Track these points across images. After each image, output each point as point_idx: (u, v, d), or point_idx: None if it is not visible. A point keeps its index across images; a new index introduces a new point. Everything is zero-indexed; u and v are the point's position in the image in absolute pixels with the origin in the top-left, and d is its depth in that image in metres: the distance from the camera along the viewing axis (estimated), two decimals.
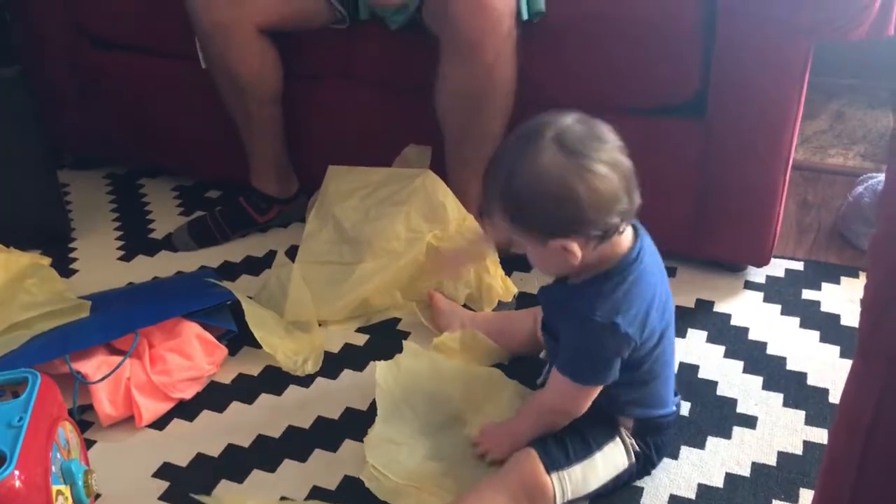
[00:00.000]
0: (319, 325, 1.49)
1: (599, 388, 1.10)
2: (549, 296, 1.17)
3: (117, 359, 1.32)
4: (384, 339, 1.48)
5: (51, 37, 1.85)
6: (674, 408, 1.20)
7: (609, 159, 1.00)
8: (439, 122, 1.52)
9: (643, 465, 1.17)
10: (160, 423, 1.32)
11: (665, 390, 1.17)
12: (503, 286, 1.50)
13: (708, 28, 1.41)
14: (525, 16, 1.43)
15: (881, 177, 1.73)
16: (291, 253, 1.64)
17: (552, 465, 1.10)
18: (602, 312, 1.05)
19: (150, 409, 1.31)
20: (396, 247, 1.50)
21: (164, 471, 1.24)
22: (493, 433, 1.20)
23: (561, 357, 1.12)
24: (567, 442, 1.12)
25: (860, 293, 0.70)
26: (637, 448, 1.15)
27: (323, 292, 1.50)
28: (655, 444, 1.17)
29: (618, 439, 1.14)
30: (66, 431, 1.15)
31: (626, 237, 1.08)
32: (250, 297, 1.48)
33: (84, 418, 1.32)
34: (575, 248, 1.02)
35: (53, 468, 1.06)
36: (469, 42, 1.39)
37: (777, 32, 1.35)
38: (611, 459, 1.14)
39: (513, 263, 1.57)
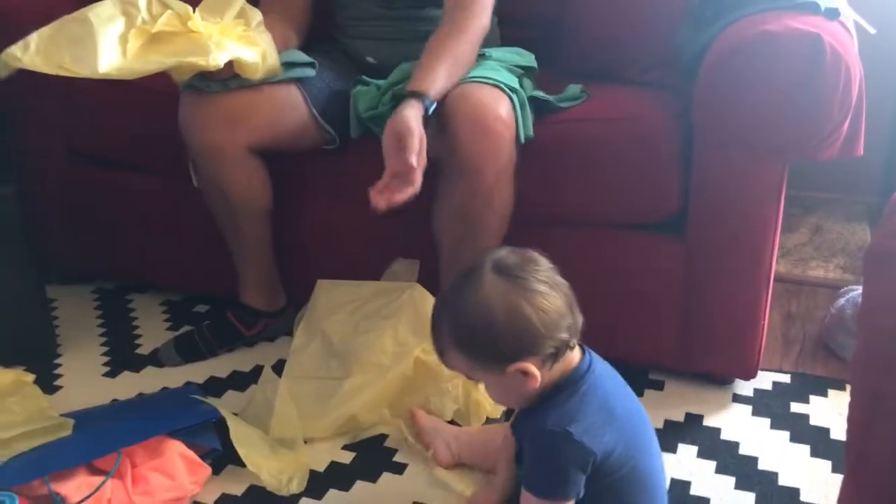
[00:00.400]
0: (305, 442, 1.47)
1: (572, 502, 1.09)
2: (518, 426, 1.18)
3: (98, 479, 1.29)
4: (370, 457, 1.45)
5: (43, 153, 1.88)
6: None
7: (547, 279, 1.06)
8: (435, 239, 1.54)
9: None
10: None
11: None
12: (491, 402, 1.49)
13: (685, 151, 1.46)
14: (523, 139, 1.47)
15: (861, 289, 1.75)
16: (278, 367, 1.63)
17: None
18: (554, 421, 1.07)
19: None
20: (384, 361, 1.50)
21: None
22: None
23: (526, 475, 1.12)
24: None
25: (847, 407, 0.70)
26: None
27: (310, 408, 1.49)
28: None
29: None
30: None
31: (574, 354, 1.11)
32: (235, 414, 1.47)
33: None
34: (533, 369, 1.06)
35: None
36: (472, 165, 1.42)
37: (749, 155, 1.40)
38: None
39: None
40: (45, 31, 1.39)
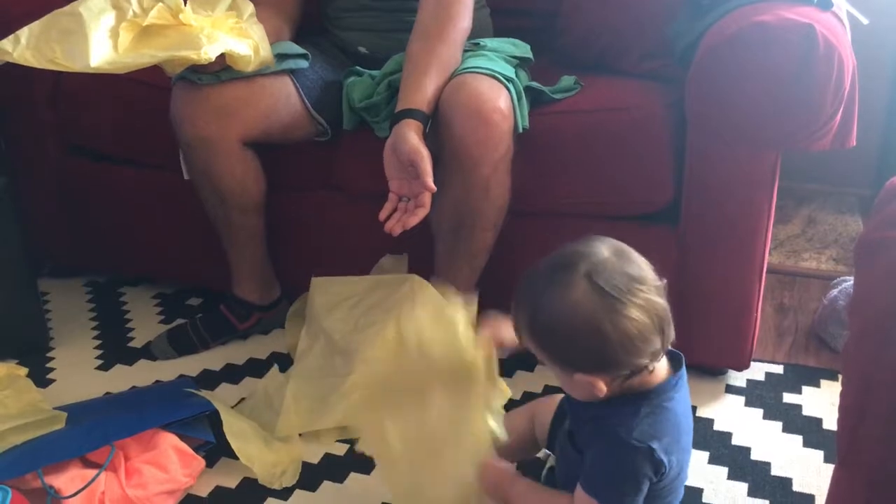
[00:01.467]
0: (300, 435, 1.47)
1: None
2: (576, 408, 1.12)
3: (92, 472, 1.29)
4: None
5: (33, 146, 1.88)
6: None
7: (643, 301, 0.98)
8: (432, 230, 1.54)
9: None
10: None
11: None
12: (503, 395, 1.48)
13: (679, 140, 1.46)
14: (520, 130, 1.47)
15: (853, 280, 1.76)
16: (273, 359, 1.63)
17: None
18: (639, 434, 1.01)
19: None
20: None
21: None
22: (493, 475, 1.15)
23: (587, 475, 1.06)
24: None
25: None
26: None
27: (316, 406, 1.49)
28: None
29: None
30: None
31: (661, 365, 1.06)
32: (231, 407, 1.46)
33: None
34: (601, 385, 1.01)
35: None
36: (470, 157, 1.42)
37: (743, 145, 1.40)
38: None
39: (517, 363, 1.56)
40: (35, 25, 1.38)
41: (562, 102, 1.55)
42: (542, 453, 1.28)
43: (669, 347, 1.06)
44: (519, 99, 1.47)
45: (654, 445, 1.01)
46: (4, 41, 1.36)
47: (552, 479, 1.22)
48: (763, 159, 1.41)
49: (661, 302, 1.00)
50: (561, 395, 1.21)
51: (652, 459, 1.01)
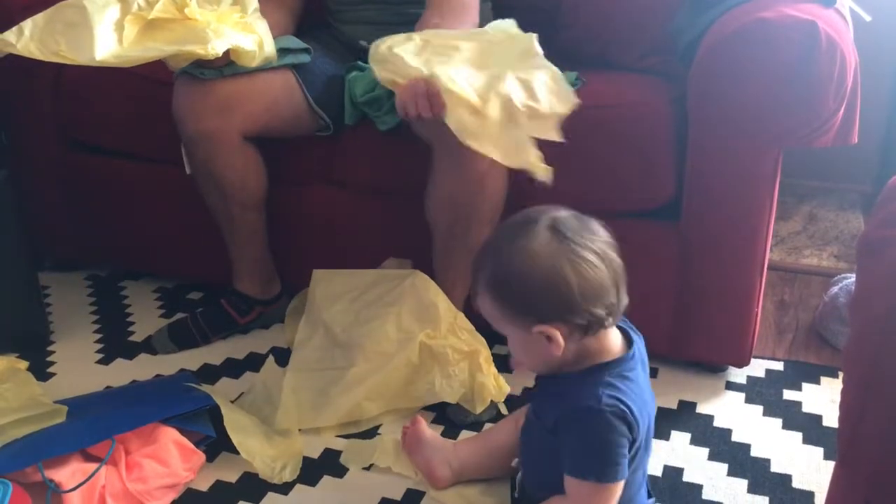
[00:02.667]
0: (300, 430, 1.47)
1: (622, 485, 1.07)
2: (542, 389, 1.15)
3: (92, 466, 1.29)
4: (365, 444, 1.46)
5: (35, 139, 1.87)
6: None
7: (600, 251, 1.03)
8: (430, 226, 1.54)
9: None
10: None
11: (640, 498, 1.16)
12: (496, 385, 1.49)
13: (681, 137, 1.46)
14: None
15: (855, 277, 1.76)
16: (272, 354, 1.63)
17: None
18: (608, 400, 1.04)
19: None
20: (388, 348, 1.50)
21: None
22: None
23: (573, 461, 1.08)
24: None
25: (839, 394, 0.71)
26: None
27: (316, 400, 1.49)
28: None
29: None
30: None
31: (617, 337, 1.09)
32: (231, 401, 1.46)
33: None
34: (558, 336, 1.03)
35: None
36: (464, 152, 1.41)
37: (744, 141, 1.40)
38: None
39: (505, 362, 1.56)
40: (39, 17, 1.37)
41: None
42: (515, 462, 1.29)
43: (624, 323, 1.11)
44: None
45: (624, 407, 1.04)
46: (8, 33, 1.35)
47: (523, 487, 1.23)
48: (765, 156, 1.41)
49: (617, 258, 1.05)
50: None
51: (625, 419, 1.04)
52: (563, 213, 1.05)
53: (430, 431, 1.37)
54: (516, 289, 1.03)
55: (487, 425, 1.48)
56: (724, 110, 1.38)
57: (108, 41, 1.37)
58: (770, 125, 1.36)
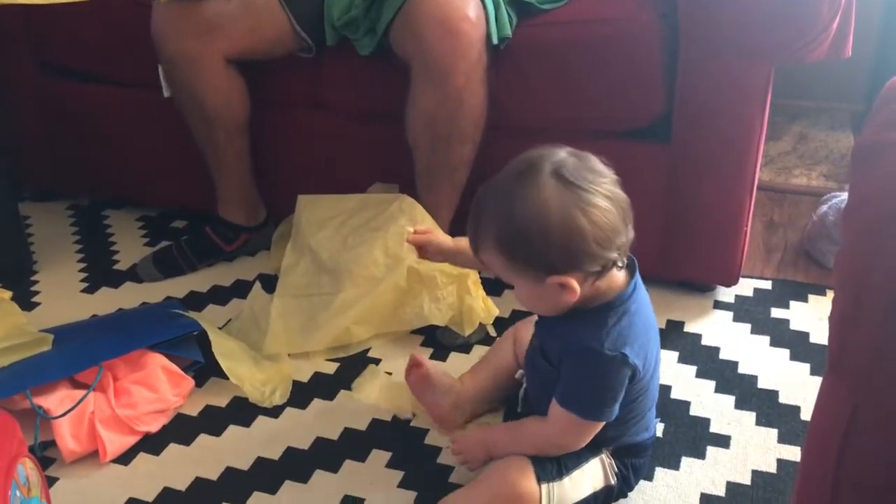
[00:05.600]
0: (289, 355, 1.47)
1: (601, 424, 1.08)
2: (548, 327, 1.13)
3: (80, 392, 1.29)
4: (354, 367, 1.46)
5: (11, 66, 1.82)
6: (653, 432, 1.20)
7: (608, 192, 1.00)
8: (410, 147, 1.52)
9: (620, 486, 1.16)
10: (125, 458, 1.28)
11: (649, 421, 1.18)
12: (484, 307, 1.48)
13: (671, 52, 1.43)
14: (495, 40, 1.44)
15: (844, 196, 1.75)
16: (262, 282, 1.62)
17: (544, 476, 1.09)
18: (610, 344, 1.03)
19: (115, 443, 1.27)
20: (376, 273, 1.49)
21: None
22: (469, 443, 1.18)
23: (564, 392, 1.08)
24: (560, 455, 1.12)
25: (828, 311, 0.70)
26: (616, 469, 1.15)
27: (304, 325, 1.48)
28: (634, 465, 1.17)
29: (601, 457, 1.14)
30: (27, 469, 1.11)
31: (622, 273, 1.07)
32: (219, 328, 1.46)
33: (47, 455, 1.28)
34: (574, 284, 1.01)
35: None
36: (440, 67, 1.39)
37: (737, 56, 1.37)
38: (594, 475, 1.13)
39: (493, 284, 1.56)
40: None
41: (550, 13, 1.51)
42: (518, 374, 1.29)
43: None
44: (497, 8, 1.43)
45: (627, 351, 1.04)
46: None
47: (526, 399, 1.23)
48: (757, 72, 1.38)
49: (623, 194, 1.02)
50: None
51: (627, 364, 1.04)
52: (563, 155, 1.01)
53: (434, 370, 1.31)
54: (528, 244, 0.99)
55: (476, 347, 1.49)
56: (716, 23, 1.35)
57: None
58: (763, 38, 1.33)
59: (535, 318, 1.22)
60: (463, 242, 1.24)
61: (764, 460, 1.25)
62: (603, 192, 0.99)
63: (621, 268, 1.05)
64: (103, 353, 1.34)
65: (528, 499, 1.08)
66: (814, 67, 1.66)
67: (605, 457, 1.14)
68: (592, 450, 1.13)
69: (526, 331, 1.27)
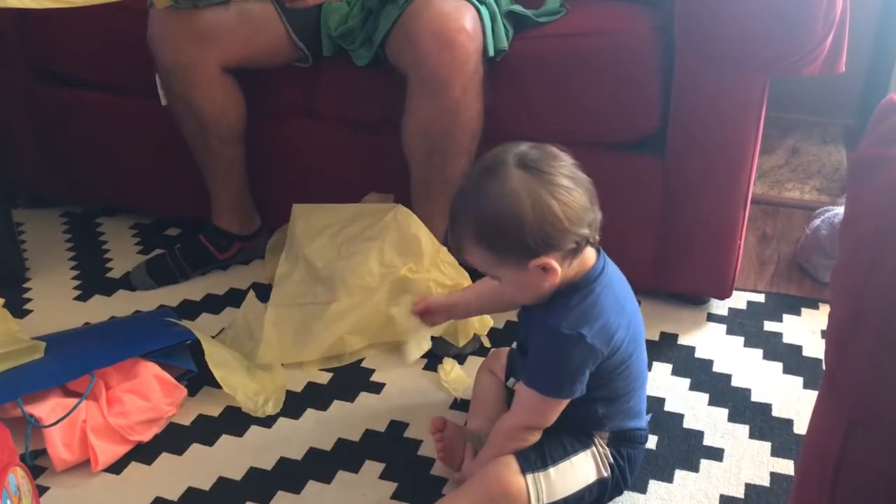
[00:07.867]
0: (283, 364, 1.46)
1: (566, 402, 1.11)
2: (529, 316, 1.17)
3: (72, 401, 1.28)
4: (348, 377, 1.46)
5: (6, 73, 1.82)
6: (645, 423, 1.21)
7: (570, 173, 1.05)
8: (406, 158, 1.52)
9: (616, 481, 1.17)
10: (117, 467, 1.28)
11: (639, 404, 1.19)
12: (479, 318, 1.48)
13: (666, 66, 1.43)
14: (491, 52, 1.44)
15: (837, 210, 1.76)
16: (254, 290, 1.61)
17: (528, 467, 1.11)
18: (568, 324, 1.07)
19: (107, 452, 1.27)
20: (370, 283, 1.48)
21: None
22: (473, 469, 1.19)
23: (527, 371, 1.13)
24: (544, 446, 1.14)
25: (821, 324, 0.71)
26: (611, 459, 1.16)
27: (298, 334, 1.48)
28: (629, 456, 1.18)
29: (593, 448, 1.15)
30: (18, 478, 1.10)
31: (590, 253, 1.11)
32: (212, 337, 1.45)
33: (38, 463, 1.27)
34: (555, 264, 1.05)
35: None
36: (436, 79, 1.39)
37: (732, 70, 1.38)
38: (585, 467, 1.14)
39: None
40: None
41: (546, 26, 1.52)
42: (510, 382, 1.29)
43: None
44: (493, 21, 1.44)
45: (584, 331, 1.06)
46: None
47: None
48: (751, 85, 1.39)
49: (584, 175, 1.07)
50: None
51: (583, 343, 1.07)
52: (524, 147, 1.06)
53: (456, 429, 1.27)
54: (507, 232, 1.04)
55: (471, 358, 1.49)
56: (711, 37, 1.35)
57: None
58: (758, 52, 1.34)
59: (501, 349, 1.31)
60: (455, 295, 1.34)
61: (757, 473, 1.25)
62: (566, 174, 1.05)
63: (594, 243, 1.09)
64: (96, 362, 1.33)
65: (514, 491, 1.10)
66: (807, 81, 1.67)
67: (597, 447, 1.15)
68: (582, 441, 1.15)
69: (495, 359, 1.32)
